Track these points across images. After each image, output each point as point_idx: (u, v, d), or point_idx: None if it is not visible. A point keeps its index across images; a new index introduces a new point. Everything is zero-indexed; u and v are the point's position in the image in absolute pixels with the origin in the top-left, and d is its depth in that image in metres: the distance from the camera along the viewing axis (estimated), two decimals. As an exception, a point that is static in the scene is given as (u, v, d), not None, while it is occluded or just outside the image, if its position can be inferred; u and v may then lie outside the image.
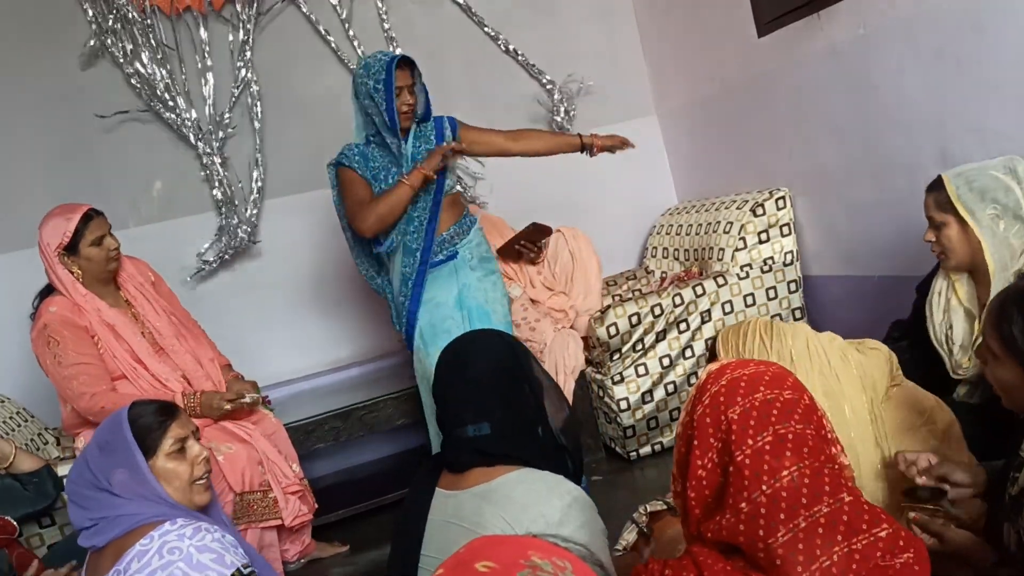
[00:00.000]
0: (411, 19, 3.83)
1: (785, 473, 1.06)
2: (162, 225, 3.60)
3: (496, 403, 1.45)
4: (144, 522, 1.35)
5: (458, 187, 2.85)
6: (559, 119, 3.97)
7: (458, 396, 1.48)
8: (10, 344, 3.35)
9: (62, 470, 2.50)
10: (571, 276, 3.47)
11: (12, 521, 2.10)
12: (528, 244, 3.45)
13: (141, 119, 3.55)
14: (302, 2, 3.71)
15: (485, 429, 1.42)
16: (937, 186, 2.06)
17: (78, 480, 1.46)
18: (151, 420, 1.52)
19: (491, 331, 1.68)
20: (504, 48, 3.95)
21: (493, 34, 3.93)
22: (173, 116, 3.55)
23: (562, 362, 3.22)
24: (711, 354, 1.72)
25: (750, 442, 1.08)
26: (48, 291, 2.60)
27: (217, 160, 3.59)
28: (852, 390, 1.61)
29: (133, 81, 3.51)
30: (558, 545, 0.89)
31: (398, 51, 2.63)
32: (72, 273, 2.52)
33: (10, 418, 3.01)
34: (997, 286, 1.98)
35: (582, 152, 2.87)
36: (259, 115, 3.66)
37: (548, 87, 3.99)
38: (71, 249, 2.48)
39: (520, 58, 3.96)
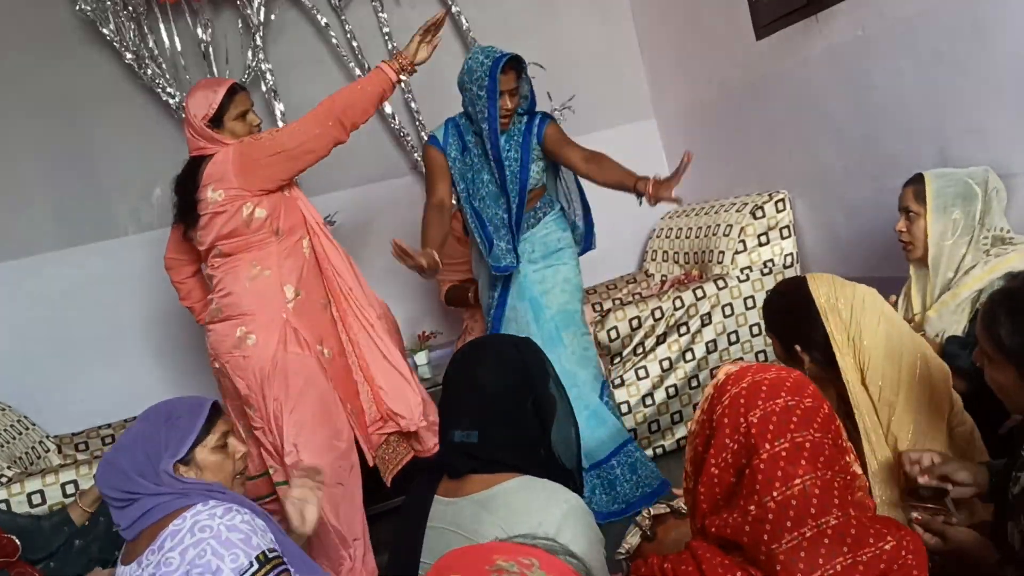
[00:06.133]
0: (408, 21, 3.83)
1: (798, 481, 1.06)
2: (163, 232, 3.59)
3: (492, 416, 1.43)
4: (177, 507, 1.40)
5: (544, 180, 2.78)
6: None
7: (457, 401, 1.47)
8: (10, 352, 3.35)
9: (64, 476, 2.50)
10: None
11: (15, 540, 2.06)
12: None
13: (142, 123, 3.56)
14: (307, 2, 3.72)
15: (473, 437, 1.41)
16: (917, 180, 2.22)
17: (132, 450, 1.45)
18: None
19: (508, 338, 1.63)
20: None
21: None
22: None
23: None
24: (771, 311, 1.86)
25: (767, 447, 1.08)
26: (191, 170, 2.44)
27: None
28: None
29: (135, 78, 3.51)
30: (524, 543, 0.89)
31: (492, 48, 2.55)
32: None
33: (11, 426, 3.01)
34: (936, 284, 2.17)
35: (634, 195, 2.53)
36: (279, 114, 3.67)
37: None
38: (216, 122, 2.42)
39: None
